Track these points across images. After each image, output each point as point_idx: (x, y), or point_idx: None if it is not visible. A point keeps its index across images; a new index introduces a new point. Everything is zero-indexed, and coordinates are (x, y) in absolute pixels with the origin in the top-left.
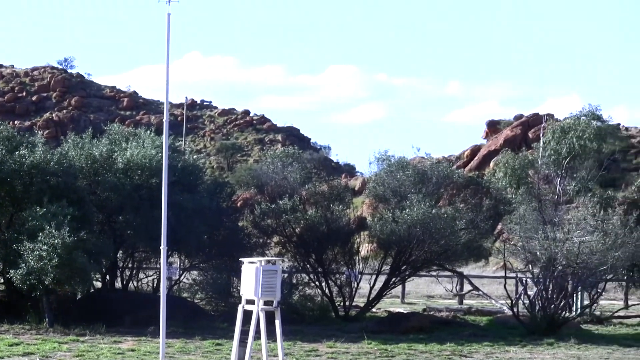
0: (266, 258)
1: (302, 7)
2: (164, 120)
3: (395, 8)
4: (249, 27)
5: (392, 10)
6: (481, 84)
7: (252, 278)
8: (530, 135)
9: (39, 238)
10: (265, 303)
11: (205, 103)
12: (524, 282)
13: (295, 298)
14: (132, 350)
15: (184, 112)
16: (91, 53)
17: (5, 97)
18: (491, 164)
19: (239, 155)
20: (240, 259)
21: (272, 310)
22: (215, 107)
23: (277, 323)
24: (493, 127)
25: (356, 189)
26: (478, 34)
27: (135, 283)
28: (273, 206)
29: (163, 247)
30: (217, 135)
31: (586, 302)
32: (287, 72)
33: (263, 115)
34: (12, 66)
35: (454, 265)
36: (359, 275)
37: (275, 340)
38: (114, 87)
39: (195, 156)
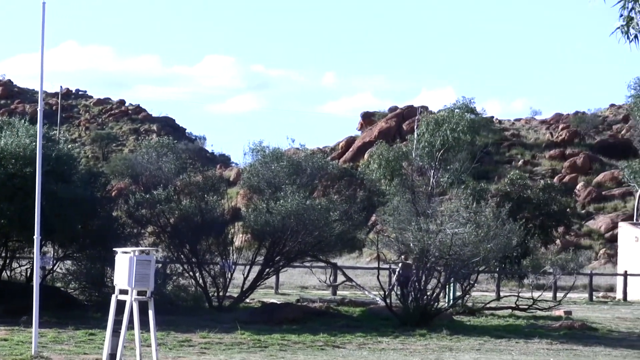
0: (140, 248)
1: None
2: (38, 109)
3: None
4: (126, 17)
5: (269, 1)
6: (357, 75)
7: (125, 268)
8: (404, 127)
9: None
10: (139, 293)
11: (80, 92)
12: (398, 273)
13: (169, 288)
14: (5, 340)
15: (59, 101)
16: None
17: None
18: (365, 156)
19: (114, 145)
20: (114, 249)
21: (146, 301)
22: (91, 97)
23: (151, 313)
24: (368, 118)
25: (231, 179)
26: (354, 25)
27: (8, 272)
28: (147, 196)
29: (37, 237)
30: (92, 125)
31: (458, 294)
32: (163, 62)
33: (138, 105)
34: None
35: (327, 256)
36: (233, 266)
37: (148, 330)
38: None
39: (69, 145)
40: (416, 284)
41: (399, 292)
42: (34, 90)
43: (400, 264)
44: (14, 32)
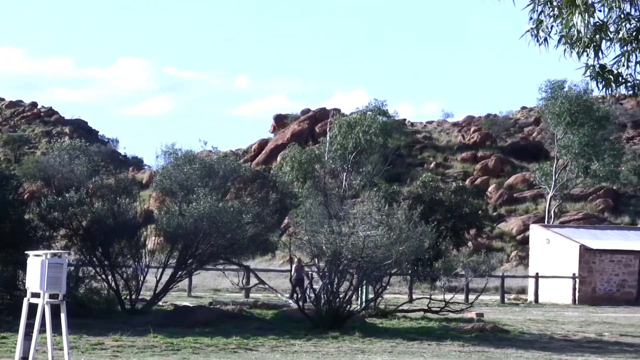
0: (52, 251)
1: None
2: None
3: (185, 1)
4: (38, 18)
5: (182, 3)
6: (270, 78)
7: (37, 271)
8: (317, 129)
9: None
10: (51, 296)
11: None
12: (310, 275)
13: (81, 291)
14: None
15: None
16: None
17: None
18: (278, 158)
19: (26, 147)
20: (26, 252)
21: (58, 304)
22: (2, 99)
23: (63, 316)
24: (281, 121)
25: (144, 182)
26: (267, 28)
27: None
28: (59, 199)
29: None
30: (4, 128)
31: (371, 296)
32: (76, 64)
33: (51, 107)
34: None
35: (240, 259)
36: (146, 269)
37: (61, 334)
38: None
39: None
40: (329, 286)
41: (312, 295)
42: None
43: (294, 266)
44: None
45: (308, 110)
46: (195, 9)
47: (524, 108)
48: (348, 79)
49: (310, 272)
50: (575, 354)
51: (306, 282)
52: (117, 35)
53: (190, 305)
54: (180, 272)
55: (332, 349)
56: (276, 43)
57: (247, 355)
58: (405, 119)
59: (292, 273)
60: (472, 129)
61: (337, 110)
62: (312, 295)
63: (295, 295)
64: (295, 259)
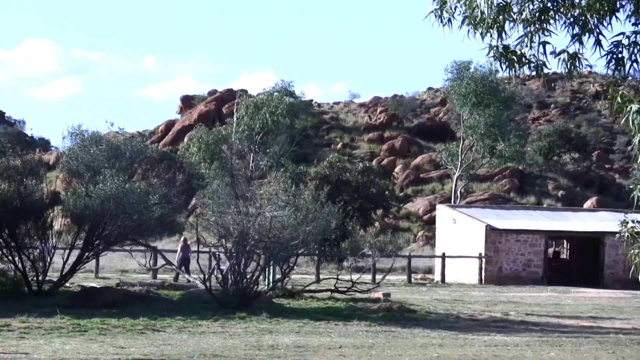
0: None
1: None
2: None
3: None
4: None
5: None
6: (177, 59)
7: None
8: (224, 110)
9: None
10: None
11: None
12: (217, 256)
13: None
14: None
15: None
16: None
17: None
18: (185, 139)
19: None
20: None
21: None
22: None
23: None
24: (187, 102)
25: (51, 163)
26: (174, 8)
27: None
28: None
29: None
30: None
31: (278, 277)
32: None
33: None
34: None
35: (147, 240)
36: (53, 250)
37: None
38: None
39: None
40: (236, 267)
41: (219, 276)
42: None
43: (180, 245)
44: None
45: (215, 92)
46: None
47: (430, 89)
48: (255, 60)
49: (217, 253)
50: (481, 333)
51: (213, 262)
52: (23, 16)
53: (98, 286)
54: (87, 254)
55: (239, 330)
56: (183, 24)
57: (155, 337)
58: (312, 100)
59: (179, 252)
60: (378, 110)
61: (244, 92)
62: (220, 276)
63: (204, 275)
64: (182, 238)
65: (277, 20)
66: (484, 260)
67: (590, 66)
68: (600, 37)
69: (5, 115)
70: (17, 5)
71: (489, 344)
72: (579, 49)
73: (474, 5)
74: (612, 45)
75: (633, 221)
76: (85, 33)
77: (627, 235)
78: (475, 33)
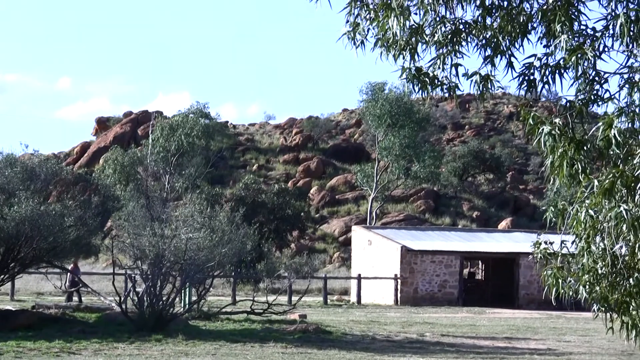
0: None
1: None
2: None
3: (4, 2)
4: None
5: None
6: (93, 80)
7: None
8: (140, 132)
9: None
10: None
11: None
12: (133, 278)
13: None
14: None
15: None
16: None
17: None
18: (101, 161)
19: None
20: None
21: None
22: None
23: None
24: (103, 124)
25: None
26: (89, 29)
27: None
28: None
29: None
30: None
31: (194, 298)
32: None
33: None
34: None
35: (63, 262)
36: None
37: None
38: None
39: None
40: (152, 289)
41: (135, 298)
42: None
43: (70, 266)
44: None
45: (130, 113)
46: (17, 10)
47: (345, 110)
48: (172, 80)
49: (133, 275)
50: (397, 355)
51: (129, 284)
52: None
53: (13, 309)
54: (2, 276)
55: (155, 352)
56: (98, 45)
57: (70, 359)
58: (227, 121)
59: (67, 274)
60: (294, 131)
61: (160, 113)
62: (135, 298)
63: (120, 297)
64: (73, 259)
65: (194, 41)
66: (399, 281)
67: (503, 88)
68: (512, 59)
69: None
70: None
71: None
72: (491, 71)
73: (386, 28)
74: (524, 67)
75: (546, 242)
76: (1, 54)
77: (540, 257)
78: (388, 55)
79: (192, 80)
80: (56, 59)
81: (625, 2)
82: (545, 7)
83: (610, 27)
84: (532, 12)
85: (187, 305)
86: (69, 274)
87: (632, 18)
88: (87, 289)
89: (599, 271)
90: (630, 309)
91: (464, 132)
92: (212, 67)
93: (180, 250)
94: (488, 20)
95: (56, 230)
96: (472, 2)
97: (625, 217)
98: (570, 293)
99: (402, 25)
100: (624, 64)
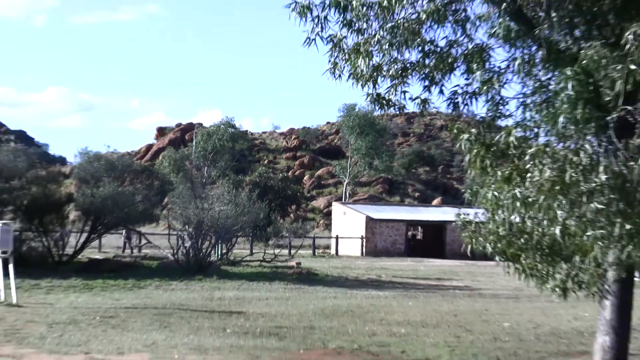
0: (2, 221)
1: None
2: None
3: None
4: None
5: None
6: (154, 100)
7: None
8: (186, 137)
9: None
10: (2, 252)
11: None
12: (182, 237)
13: (23, 249)
14: None
15: None
16: None
17: None
18: (160, 157)
19: None
20: None
21: (7, 257)
22: None
23: (10, 266)
24: (161, 131)
25: (67, 173)
26: (150, 63)
27: None
28: (7, 185)
29: None
30: None
31: (224, 251)
32: (17, 91)
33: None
34: None
35: (134, 226)
36: (69, 233)
37: (9, 278)
38: None
39: None
40: (195, 244)
41: (183, 251)
42: None
43: (124, 230)
44: None
45: (180, 124)
46: (100, 45)
47: (328, 122)
48: (208, 101)
49: (182, 235)
50: (362, 289)
51: (180, 242)
52: (47, 69)
53: (100, 258)
54: (92, 235)
55: (197, 287)
56: (158, 74)
57: (139, 292)
58: (247, 130)
59: (124, 233)
60: (292, 137)
61: (200, 124)
62: (184, 250)
63: (173, 250)
64: (124, 227)
65: (223, 73)
66: (364, 240)
67: (437, 107)
68: (443, 87)
69: (34, 140)
70: (42, 60)
71: (368, 297)
72: (428, 96)
73: (356, 66)
74: (451, 93)
75: (464, 214)
76: (91, 81)
77: (460, 223)
78: (357, 84)
79: (222, 100)
80: (129, 85)
81: (521, 49)
82: (466, 52)
83: (511, 66)
84: (457, 55)
85: (219, 256)
86: (124, 233)
87: (526, 60)
88: (152, 244)
89: (500, 234)
90: (521, 259)
91: (410, 138)
92: (236, 92)
93: (214, 218)
94: (427, 61)
95: (129, 204)
96: (415, 48)
97: (519, 197)
98: (481, 248)
99: (367, 64)
100: (519, 92)
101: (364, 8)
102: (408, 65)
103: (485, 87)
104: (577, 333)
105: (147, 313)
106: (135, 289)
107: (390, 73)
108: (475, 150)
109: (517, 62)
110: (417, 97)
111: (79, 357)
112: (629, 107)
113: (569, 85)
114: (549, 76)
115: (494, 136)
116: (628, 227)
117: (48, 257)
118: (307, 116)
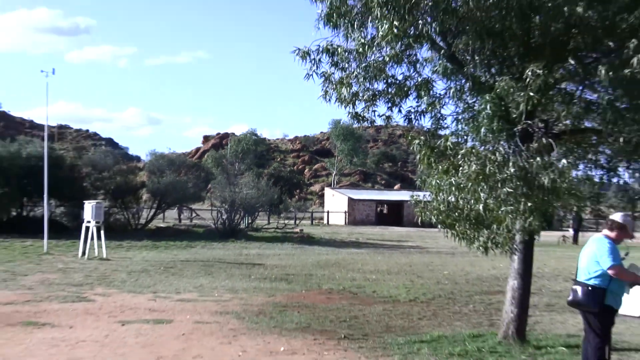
0: (96, 201)
1: None
2: (44, 134)
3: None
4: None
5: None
6: (202, 117)
7: (90, 210)
8: (224, 142)
9: None
10: (96, 222)
11: (62, 125)
12: (220, 212)
13: (111, 220)
14: (31, 245)
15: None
16: None
17: None
18: (205, 156)
19: (84, 151)
20: (83, 201)
21: (99, 226)
22: (71, 127)
23: (102, 232)
24: (206, 138)
25: (141, 167)
26: (197, 89)
27: (27, 213)
28: (100, 176)
29: (45, 196)
30: (72, 144)
31: (249, 221)
32: (108, 110)
33: (95, 132)
34: None
35: (187, 204)
36: (142, 209)
37: (100, 240)
38: None
39: (70, 153)
40: (230, 216)
41: (221, 220)
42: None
43: (179, 207)
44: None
45: (219, 133)
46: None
47: (321, 132)
48: (238, 117)
49: (220, 210)
50: (346, 248)
51: (219, 215)
52: (127, 92)
53: (163, 226)
54: (158, 210)
55: (231, 246)
56: (202, 96)
57: (191, 250)
58: (265, 138)
59: (223, 210)
60: (297, 142)
61: (233, 133)
62: (222, 220)
63: (214, 221)
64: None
65: (250, 96)
66: (347, 213)
67: (397, 122)
68: (401, 108)
69: (118, 144)
70: (124, 90)
71: (349, 253)
72: (391, 114)
73: (341, 93)
74: (407, 112)
75: (416, 195)
76: (158, 104)
77: (414, 202)
78: (341, 106)
79: (248, 116)
80: (184, 107)
81: (454, 82)
82: (416, 83)
83: (447, 93)
84: (410, 86)
85: (246, 225)
86: (177, 209)
87: (458, 89)
88: (200, 216)
89: (441, 209)
90: (455, 227)
91: (378, 143)
92: (258, 110)
93: (243, 198)
94: (389, 90)
95: (183, 189)
96: (381, 81)
97: (454, 184)
98: (428, 220)
99: (348, 92)
100: (454, 111)
101: (346, 53)
102: (376, 92)
103: (430, 108)
104: (495, 278)
105: (196, 264)
106: (187, 248)
107: (364, 98)
108: (423, 151)
109: (451, 91)
110: (383, 114)
111: (148, 296)
112: (529, 122)
113: (488, 107)
114: (474, 100)
115: (436, 141)
116: (529, 204)
117: (127, 225)
118: (307, 127)
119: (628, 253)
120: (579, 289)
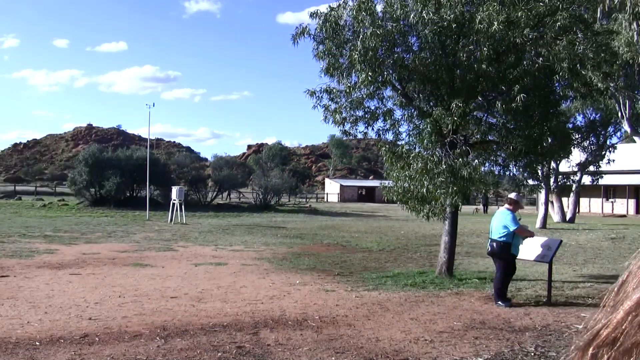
0: (178, 186)
1: None
2: (148, 144)
3: None
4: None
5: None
6: (248, 132)
7: (175, 192)
8: (260, 149)
9: None
10: (179, 200)
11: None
12: (258, 193)
13: (188, 198)
14: (138, 214)
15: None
16: None
17: None
18: (248, 158)
19: (176, 155)
20: (172, 187)
21: (181, 202)
22: (163, 139)
23: (183, 207)
24: (249, 147)
25: (207, 165)
26: (236, 114)
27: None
28: (181, 170)
29: (147, 186)
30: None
31: (277, 200)
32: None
33: (179, 142)
34: None
35: (237, 188)
36: (208, 192)
37: (182, 212)
38: None
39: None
40: (265, 195)
41: (259, 200)
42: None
43: (261, 190)
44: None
45: (258, 143)
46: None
47: (323, 142)
48: (269, 132)
49: (257, 192)
50: (338, 217)
51: (259, 195)
52: (202, 117)
53: (222, 203)
54: (219, 193)
55: (265, 216)
56: (249, 121)
57: (240, 218)
58: (287, 146)
59: (257, 187)
60: (307, 149)
61: (266, 143)
62: (259, 199)
63: (254, 198)
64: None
65: (278, 118)
66: (339, 195)
67: (371, 136)
68: (374, 127)
69: (193, 150)
70: (197, 113)
71: (341, 220)
72: (367, 131)
73: (335, 117)
74: (378, 129)
75: (384, 183)
76: (219, 124)
77: (382, 187)
78: (337, 126)
79: (276, 131)
80: (236, 127)
81: (407, 110)
82: (383, 111)
83: (403, 117)
84: (379, 113)
85: (275, 202)
86: (229, 192)
87: (409, 115)
88: (244, 197)
89: (399, 192)
90: (409, 203)
91: (359, 149)
92: (283, 127)
93: (272, 185)
94: (366, 116)
95: (235, 178)
96: (360, 110)
97: (407, 175)
98: (391, 198)
99: (340, 116)
100: (407, 129)
101: (339, 92)
102: (358, 117)
103: (392, 127)
104: (433, 236)
105: (242, 227)
106: (237, 217)
107: (350, 121)
108: (388, 155)
109: (405, 116)
110: (362, 131)
111: (212, 247)
112: (454, 136)
113: (428, 127)
114: (419, 122)
115: (396, 149)
116: (455, 188)
117: (199, 202)
118: (314, 139)
119: (520, 218)
120: (494, 244)
